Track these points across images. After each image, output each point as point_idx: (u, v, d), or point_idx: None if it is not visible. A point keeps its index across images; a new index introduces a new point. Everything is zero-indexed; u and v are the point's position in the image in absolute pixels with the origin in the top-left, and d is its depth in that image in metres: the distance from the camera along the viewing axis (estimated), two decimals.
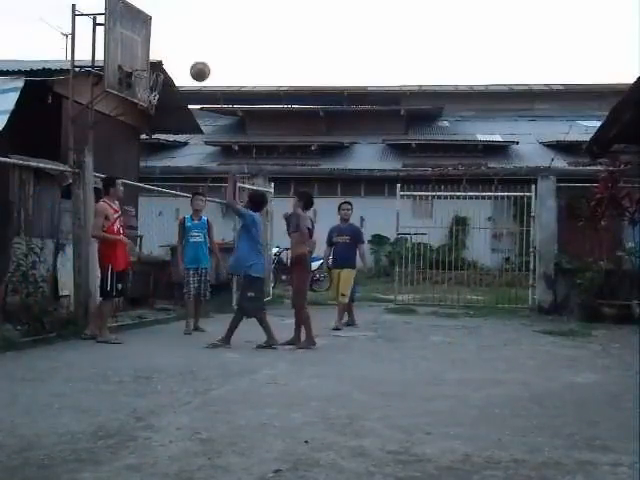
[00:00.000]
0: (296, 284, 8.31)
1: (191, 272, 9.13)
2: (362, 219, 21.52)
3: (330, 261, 10.88)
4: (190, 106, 16.59)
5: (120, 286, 8.04)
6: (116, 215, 8.05)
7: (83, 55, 10.01)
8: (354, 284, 10.52)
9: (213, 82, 32.51)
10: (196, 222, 9.28)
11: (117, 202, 8.21)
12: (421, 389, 5.57)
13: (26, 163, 8.52)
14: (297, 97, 29.05)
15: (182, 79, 45.41)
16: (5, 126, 8.96)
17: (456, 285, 14.07)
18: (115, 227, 8.02)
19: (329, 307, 12.91)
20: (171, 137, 22.76)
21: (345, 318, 10.26)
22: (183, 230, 9.25)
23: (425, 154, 23.97)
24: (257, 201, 8.20)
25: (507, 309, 12.65)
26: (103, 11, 9.35)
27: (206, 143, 25.44)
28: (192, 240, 9.16)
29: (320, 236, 16.74)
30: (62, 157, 9.78)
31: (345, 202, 10.83)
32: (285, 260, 16.04)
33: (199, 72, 10.00)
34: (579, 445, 3.96)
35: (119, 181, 8.33)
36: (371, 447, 3.81)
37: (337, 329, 9.68)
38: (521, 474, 3.43)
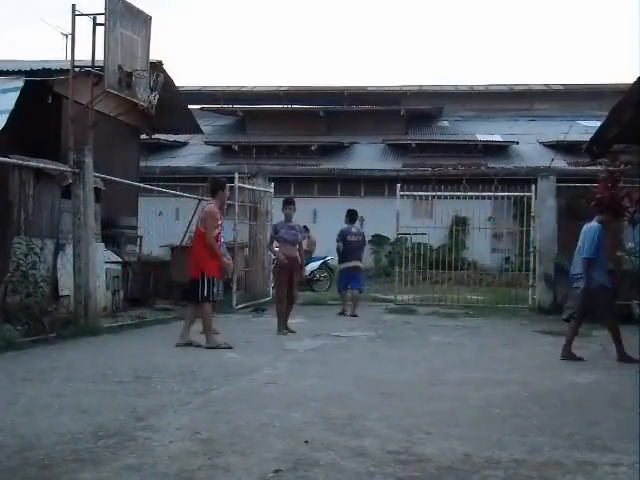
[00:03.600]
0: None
1: None
2: (362, 219, 21.55)
3: None
4: (190, 106, 16.61)
5: (216, 290, 7.85)
6: (220, 222, 7.91)
7: (83, 55, 10.03)
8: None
9: (213, 82, 32.51)
10: None
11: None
12: (421, 389, 5.57)
13: (26, 163, 8.52)
14: (297, 97, 29.05)
15: (182, 79, 45.45)
16: (5, 126, 8.97)
17: (456, 285, 14.07)
18: (215, 232, 7.82)
19: (329, 307, 12.96)
20: (171, 137, 22.76)
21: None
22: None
23: (425, 154, 23.97)
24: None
25: (507, 309, 12.64)
26: (103, 11, 9.37)
27: (206, 143, 25.45)
28: None
29: (320, 236, 16.84)
30: (62, 157, 9.79)
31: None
32: None
33: None
34: (579, 445, 3.96)
35: (228, 185, 8.22)
36: (371, 447, 3.81)
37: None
38: (521, 474, 3.43)
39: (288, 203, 9.40)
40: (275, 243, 9.50)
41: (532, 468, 3.52)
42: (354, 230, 11.87)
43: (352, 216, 11.85)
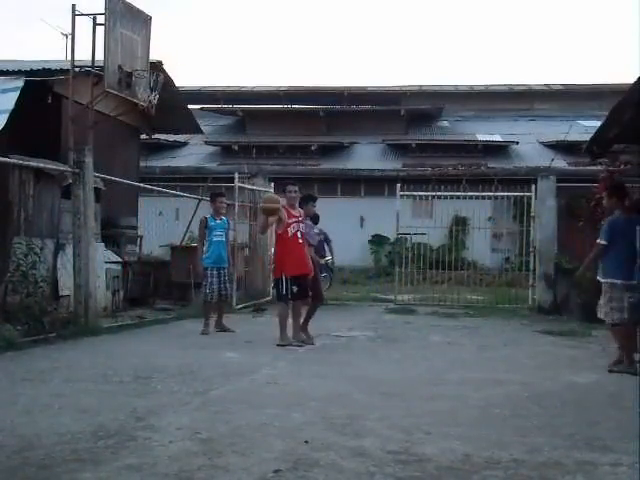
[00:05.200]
0: None
1: (214, 272, 8.98)
2: (362, 219, 21.58)
3: None
4: (190, 106, 16.61)
5: (295, 289, 7.85)
6: (291, 220, 7.91)
7: (83, 55, 10.03)
8: None
9: (213, 82, 32.48)
10: (219, 221, 9.14)
11: (296, 209, 8.08)
12: (421, 389, 5.56)
13: (26, 163, 8.52)
14: (297, 97, 29.06)
15: (182, 79, 45.45)
16: (5, 126, 8.98)
17: (456, 285, 14.07)
18: (290, 231, 7.90)
19: (329, 307, 12.95)
20: (171, 137, 22.77)
21: None
22: (206, 230, 9.07)
23: (425, 154, 23.97)
24: None
25: (507, 309, 12.64)
26: (103, 11, 9.37)
27: (206, 143, 25.46)
28: (216, 239, 9.03)
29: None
30: (62, 157, 9.79)
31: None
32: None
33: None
34: (579, 445, 3.96)
35: (289, 187, 8.17)
36: (371, 447, 3.80)
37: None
38: (521, 474, 3.43)
39: (312, 200, 9.00)
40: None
41: (532, 468, 3.52)
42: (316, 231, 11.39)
43: (315, 220, 10.97)
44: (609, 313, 6.54)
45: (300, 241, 7.99)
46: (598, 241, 6.69)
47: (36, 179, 9.08)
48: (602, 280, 6.64)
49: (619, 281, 6.48)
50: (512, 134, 25.42)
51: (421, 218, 15.28)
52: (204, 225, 9.10)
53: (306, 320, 8.34)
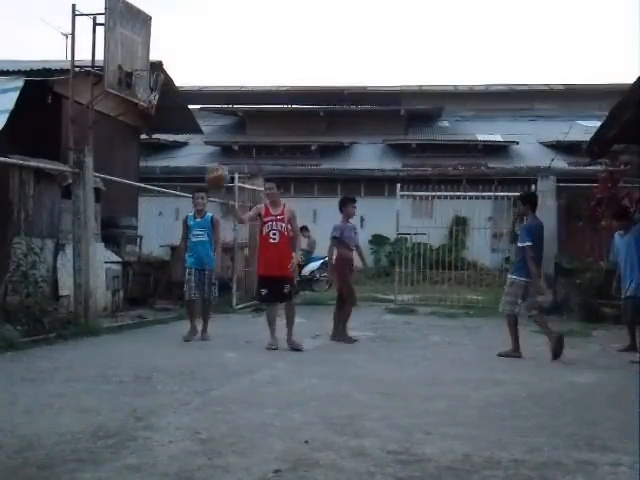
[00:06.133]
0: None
1: (193, 272, 8.42)
2: (362, 219, 21.56)
3: None
4: (190, 106, 16.61)
5: (264, 291, 7.67)
6: (267, 218, 7.66)
7: (83, 55, 10.02)
8: None
9: (213, 82, 32.45)
10: (198, 220, 8.54)
11: (279, 207, 7.76)
12: (421, 389, 5.57)
13: (26, 163, 8.52)
14: (297, 97, 29.02)
15: (182, 79, 45.45)
16: (5, 126, 8.98)
17: (456, 285, 14.06)
18: (264, 230, 7.68)
19: (329, 307, 12.95)
20: (171, 137, 22.76)
21: None
22: (186, 229, 8.59)
23: (425, 154, 23.96)
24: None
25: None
26: (103, 11, 9.36)
27: (206, 143, 25.43)
28: (195, 239, 8.47)
29: (320, 236, 16.78)
30: (62, 157, 9.79)
31: None
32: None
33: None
34: (579, 445, 3.96)
35: (267, 184, 8.04)
36: (371, 447, 3.81)
37: None
38: (521, 474, 3.43)
39: (352, 201, 8.81)
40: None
41: (532, 468, 3.52)
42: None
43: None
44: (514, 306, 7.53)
45: (273, 241, 7.61)
46: (522, 244, 7.67)
47: (36, 179, 9.08)
48: (523, 279, 7.51)
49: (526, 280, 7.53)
50: (512, 134, 25.39)
51: (421, 218, 15.25)
52: (184, 224, 8.63)
53: (343, 322, 8.47)
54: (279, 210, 7.74)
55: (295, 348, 7.56)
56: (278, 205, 7.80)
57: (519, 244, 7.72)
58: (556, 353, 7.17)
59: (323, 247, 17.35)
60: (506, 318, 7.67)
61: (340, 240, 8.60)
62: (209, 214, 8.68)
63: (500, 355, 7.44)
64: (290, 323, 7.73)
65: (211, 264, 8.52)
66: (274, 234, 7.63)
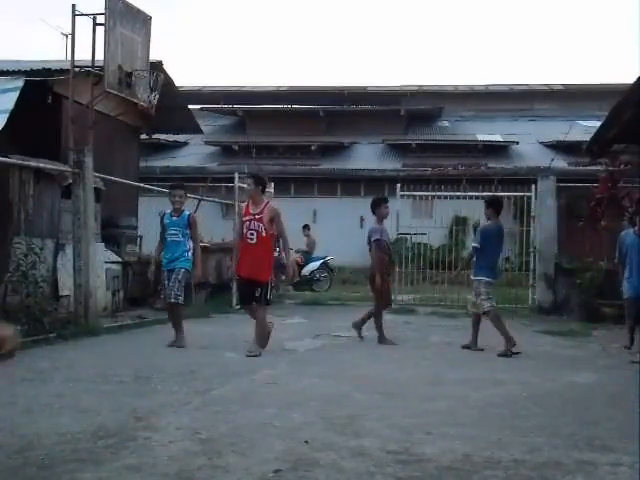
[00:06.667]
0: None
1: (165, 273, 7.82)
2: (362, 219, 21.58)
3: None
4: (190, 106, 16.62)
5: (240, 292, 7.46)
6: (246, 217, 7.25)
7: (83, 55, 10.03)
8: None
9: (213, 82, 32.45)
10: (174, 219, 7.85)
11: (260, 205, 7.25)
12: (421, 389, 5.56)
13: (26, 163, 8.52)
14: (297, 97, 29.03)
15: (182, 79, 45.45)
16: (5, 126, 8.98)
17: (456, 285, 14.05)
18: (244, 229, 7.26)
19: (329, 307, 12.96)
20: (171, 137, 22.77)
21: None
22: (162, 227, 7.93)
23: (425, 154, 23.97)
24: None
25: (507, 309, 12.59)
26: (103, 11, 9.38)
27: (206, 143, 25.45)
28: (169, 239, 7.81)
29: (320, 236, 16.78)
30: (62, 157, 9.79)
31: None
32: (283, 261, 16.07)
33: None
34: (579, 445, 3.96)
35: (247, 180, 7.60)
36: (371, 447, 3.80)
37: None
38: (521, 474, 3.43)
39: (385, 201, 8.59)
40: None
41: (532, 468, 3.52)
42: None
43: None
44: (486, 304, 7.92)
45: (250, 241, 7.16)
46: (473, 244, 8.23)
47: (36, 179, 9.07)
48: (487, 279, 8.01)
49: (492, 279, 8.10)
50: (512, 134, 25.41)
51: (421, 218, 15.25)
52: (161, 222, 7.99)
53: (377, 322, 8.47)
54: (259, 209, 7.22)
55: (248, 354, 6.99)
56: (259, 204, 7.29)
57: (472, 244, 8.24)
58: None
59: (323, 247, 17.43)
60: (489, 316, 7.92)
61: (379, 242, 8.40)
62: (186, 212, 8.01)
63: (500, 355, 7.45)
64: (257, 326, 7.27)
65: (181, 264, 7.78)
66: (251, 234, 7.16)
